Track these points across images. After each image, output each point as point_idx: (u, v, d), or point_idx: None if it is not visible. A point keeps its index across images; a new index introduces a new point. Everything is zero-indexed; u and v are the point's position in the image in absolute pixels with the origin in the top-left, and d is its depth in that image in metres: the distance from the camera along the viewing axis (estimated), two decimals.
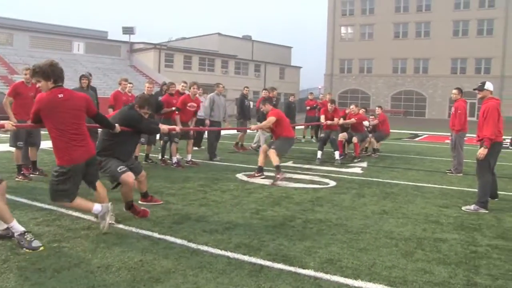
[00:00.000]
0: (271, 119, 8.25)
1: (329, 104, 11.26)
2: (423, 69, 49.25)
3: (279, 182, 7.65)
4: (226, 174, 8.58)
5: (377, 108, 13.35)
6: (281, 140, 8.38)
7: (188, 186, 7.23)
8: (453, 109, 9.59)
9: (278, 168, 7.91)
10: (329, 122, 10.94)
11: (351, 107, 11.95)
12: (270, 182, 7.77)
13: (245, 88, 13.95)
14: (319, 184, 7.77)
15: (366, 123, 12.31)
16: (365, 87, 52.20)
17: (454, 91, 9.50)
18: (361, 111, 12.04)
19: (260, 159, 8.27)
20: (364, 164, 10.68)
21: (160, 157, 9.89)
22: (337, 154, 10.91)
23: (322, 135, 11.38)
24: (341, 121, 11.22)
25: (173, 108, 9.42)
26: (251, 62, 53.88)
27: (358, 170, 9.64)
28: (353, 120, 11.60)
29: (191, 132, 9.71)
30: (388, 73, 50.76)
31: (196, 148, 12.81)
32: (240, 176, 8.37)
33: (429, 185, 8.03)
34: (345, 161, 11.06)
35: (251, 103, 15.03)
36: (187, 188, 7.02)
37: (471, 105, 43.43)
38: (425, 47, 48.22)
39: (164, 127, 6.31)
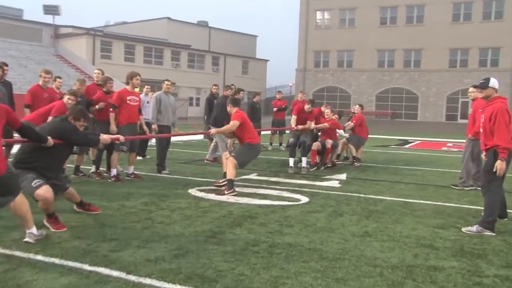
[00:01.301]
0: (234, 124, 8.47)
1: (307, 105, 11.78)
2: (415, 62, 49.56)
3: (223, 197, 7.84)
4: (176, 189, 8.55)
5: (355, 106, 13.79)
6: (245, 148, 8.57)
7: (129, 204, 7.15)
8: (471, 110, 9.58)
9: (230, 184, 8.15)
10: (300, 127, 11.54)
11: (326, 110, 12.49)
12: (232, 197, 7.85)
13: (214, 87, 14.08)
14: (289, 201, 7.84)
15: (341, 132, 12.88)
16: (344, 85, 53.06)
17: (472, 88, 9.38)
18: (334, 116, 12.71)
19: (226, 170, 8.43)
20: (343, 176, 10.86)
21: (93, 169, 9.73)
22: (304, 161, 11.48)
23: (291, 139, 11.83)
24: (313, 125, 11.84)
25: (101, 105, 9.41)
26: (207, 54, 54.02)
27: (335, 183, 9.79)
28: (326, 125, 12.15)
29: (138, 140, 9.68)
30: (372, 67, 51.66)
31: (139, 158, 12.70)
32: (193, 191, 8.37)
33: (421, 201, 8.22)
34: (320, 172, 11.21)
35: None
36: (127, 207, 6.94)
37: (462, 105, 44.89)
38: (417, 36, 48.17)
39: (105, 137, 6.26)
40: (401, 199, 8.29)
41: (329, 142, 12.01)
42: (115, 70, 37.81)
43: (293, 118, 11.83)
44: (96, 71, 10.97)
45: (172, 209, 6.93)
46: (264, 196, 8.15)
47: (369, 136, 14.13)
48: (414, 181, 10.57)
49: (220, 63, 55.01)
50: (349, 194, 8.64)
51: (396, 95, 51.10)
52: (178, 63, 50.41)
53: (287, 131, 13.94)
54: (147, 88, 13.28)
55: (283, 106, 17.51)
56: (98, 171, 9.61)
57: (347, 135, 13.47)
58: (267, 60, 62.83)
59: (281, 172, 11.30)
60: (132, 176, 9.58)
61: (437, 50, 47.59)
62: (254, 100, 16.81)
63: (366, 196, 8.50)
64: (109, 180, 9.20)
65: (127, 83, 9.54)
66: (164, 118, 10.75)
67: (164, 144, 10.82)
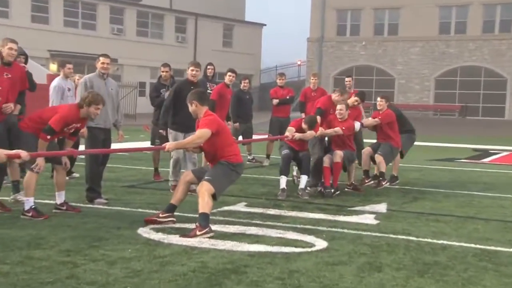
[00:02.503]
0: (203, 134, 8.61)
1: (337, 95, 12.73)
2: (502, 24, 49.51)
3: (192, 240, 7.95)
4: (117, 228, 8.59)
5: (378, 100, 13.99)
6: (223, 169, 8.72)
7: (39, 255, 7.10)
8: None
9: (204, 220, 8.26)
10: (297, 135, 12.04)
11: (337, 100, 12.79)
12: (207, 239, 7.92)
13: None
14: (296, 246, 7.86)
15: (357, 125, 13.28)
16: (385, 63, 53.40)
17: None
18: (353, 103, 13.42)
19: (199, 200, 8.49)
20: (381, 207, 10.97)
21: None
22: (304, 180, 12.00)
23: (285, 150, 12.23)
24: (320, 130, 12.36)
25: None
26: (168, 14, 54.40)
27: (369, 219, 9.87)
28: (338, 130, 12.40)
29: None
30: (430, 35, 51.80)
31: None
32: (145, 232, 8.41)
33: (510, 249, 8.21)
34: (343, 201, 11.28)
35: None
36: (36, 260, 6.90)
37: None
38: None
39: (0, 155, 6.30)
40: (477, 246, 8.29)
41: (338, 155, 12.23)
42: (14, 33, 37.84)
43: (317, 119, 12.29)
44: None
45: (111, 261, 6.92)
46: (258, 239, 8.18)
47: (420, 143, 14.20)
48: (498, 216, 10.60)
49: (188, 29, 55.29)
50: (392, 236, 8.68)
51: (468, 78, 51.21)
52: (120, 28, 50.66)
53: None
54: (79, 77, 13.33)
55: (288, 97, 17.59)
56: None
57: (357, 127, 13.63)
58: (262, 25, 63.17)
59: (284, 200, 11.37)
60: (64, 208, 9.71)
61: None
62: (242, 87, 16.88)
63: (420, 239, 8.53)
64: (22, 216, 9.21)
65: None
66: (98, 116, 10.70)
67: (99, 159, 10.84)
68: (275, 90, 17.74)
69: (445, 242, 8.41)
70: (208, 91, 15.04)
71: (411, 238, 8.57)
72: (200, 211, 8.33)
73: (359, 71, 53.10)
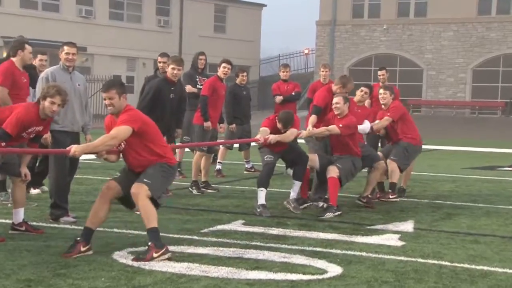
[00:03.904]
0: (119, 132, 8.38)
1: (338, 86, 12.37)
2: None
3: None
4: (89, 254, 8.55)
5: (381, 92, 13.62)
6: (156, 167, 8.60)
7: None
8: None
9: (155, 238, 8.29)
10: (273, 137, 11.43)
11: (335, 95, 12.43)
12: (190, 268, 7.90)
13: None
14: (304, 273, 7.88)
15: (365, 126, 12.85)
16: (410, 50, 53.34)
17: None
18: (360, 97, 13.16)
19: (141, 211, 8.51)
20: (407, 226, 10.99)
21: None
22: (296, 187, 11.92)
23: (267, 156, 11.89)
24: (309, 129, 12.13)
25: None
26: None
27: (392, 240, 9.90)
28: (333, 128, 11.97)
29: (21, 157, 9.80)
30: (466, 16, 51.66)
31: (35, 191, 13.00)
32: (121, 257, 8.41)
33: None
34: (359, 218, 11.33)
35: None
36: None
37: None
38: None
39: None
40: None
41: (330, 170, 11.88)
42: None
43: (312, 118, 12.11)
44: None
45: None
46: (258, 264, 8.21)
47: (455, 148, 14.13)
48: None
49: (173, 11, 55.37)
50: (420, 260, 8.68)
51: None
52: (90, 10, 50.73)
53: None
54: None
55: (293, 93, 17.64)
56: None
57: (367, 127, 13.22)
58: (261, 6, 63.22)
59: (290, 218, 11.40)
60: (23, 228, 9.71)
61: None
62: (238, 82, 16.91)
63: (455, 265, 8.53)
64: None
65: (13, 55, 9.88)
66: (64, 117, 10.80)
67: (65, 168, 10.88)
68: (278, 85, 17.81)
69: (485, 267, 8.40)
70: (198, 86, 15.10)
71: (444, 263, 8.57)
72: (148, 226, 8.28)
73: (379, 61, 52.36)
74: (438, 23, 52.09)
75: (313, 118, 12.28)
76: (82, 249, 8.42)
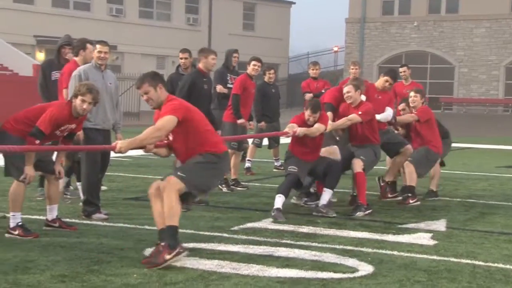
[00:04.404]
0: (164, 123, 8.06)
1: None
2: None
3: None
4: (121, 249, 8.65)
5: (412, 94, 13.39)
6: (197, 159, 8.28)
7: (28, 281, 7.19)
8: None
9: (171, 237, 7.89)
10: (301, 130, 11.19)
11: (346, 88, 12.26)
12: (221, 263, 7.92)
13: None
14: (335, 271, 7.89)
15: (385, 115, 12.68)
16: (442, 47, 52.97)
17: None
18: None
19: (157, 219, 8.33)
20: (439, 225, 10.94)
21: None
22: (327, 195, 11.44)
23: (293, 168, 11.57)
24: (329, 124, 11.66)
25: None
26: None
27: (424, 239, 9.86)
28: (353, 117, 11.80)
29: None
30: (499, 12, 51.10)
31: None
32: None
33: None
34: (391, 217, 11.34)
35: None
36: (25, 286, 7.00)
37: None
38: None
39: None
40: None
41: (355, 164, 11.77)
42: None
43: (329, 115, 11.99)
44: None
45: None
46: (289, 262, 8.22)
47: (488, 146, 13.96)
48: None
49: (202, 9, 55.37)
50: (453, 260, 8.65)
51: None
52: (120, 9, 50.87)
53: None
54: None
55: (323, 91, 17.55)
56: None
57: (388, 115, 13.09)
58: (290, 3, 63.06)
59: (320, 216, 11.39)
60: (57, 225, 9.81)
61: None
62: (267, 79, 16.90)
63: (489, 264, 8.46)
64: (6, 235, 9.32)
65: (76, 55, 10.31)
66: (96, 115, 10.87)
67: (97, 165, 10.95)
68: (308, 82, 17.81)
69: None
70: (229, 85, 15.11)
71: (477, 262, 8.51)
72: (166, 223, 7.97)
73: (410, 58, 52.03)
74: (470, 20, 51.76)
75: (329, 115, 12.00)
76: (168, 256, 7.81)
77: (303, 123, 11.38)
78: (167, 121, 8.01)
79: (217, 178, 8.78)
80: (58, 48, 11.81)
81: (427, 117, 13.06)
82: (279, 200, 11.23)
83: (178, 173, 8.12)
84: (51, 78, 11.76)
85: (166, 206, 7.91)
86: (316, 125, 11.29)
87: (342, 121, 11.88)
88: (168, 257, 7.73)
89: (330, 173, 11.47)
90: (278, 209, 11.14)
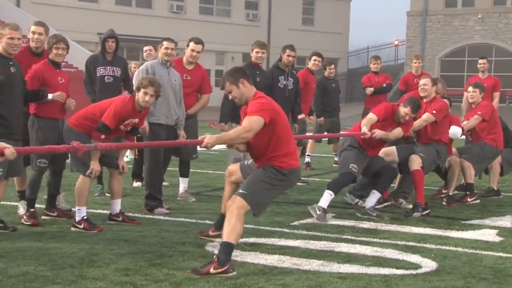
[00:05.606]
0: (253, 124, 7.70)
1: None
2: None
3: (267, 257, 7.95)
4: (182, 243, 8.77)
5: (470, 90, 12.85)
6: (267, 176, 7.94)
7: (94, 274, 7.31)
8: None
9: (224, 253, 7.52)
10: (380, 132, 10.81)
11: (422, 81, 11.99)
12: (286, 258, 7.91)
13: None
14: (397, 267, 7.86)
15: (456, 130, 12.23)
16: (508, 40, 52.17)
17: None
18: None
19: (224, 202, 8.53)
20: (506, 221, 10.80)
21: (22, 207, 10.16)
22: (375, 198, 11.03)
23: (353, 166, 11.08)
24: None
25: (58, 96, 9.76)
26: None
27: (490, 235, 9.76)
28: (428, 117, 11.40)
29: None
30: None
31: (137, 184, 13.32)
32: (214, 246, 8.37)
33: None
34: (454, 212, 11.29)
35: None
36: (91, 279, 7.09)
37: None
38: None
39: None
40: None
41: (413, 161, 11.30)
42: (57, 17, 38.73)
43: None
44: (34, 27, 10.73)
45: (176, 282, 7.06)
46: (350, 258, 8.21)
47: None
48: None
49: (261, 5, 55.33)
50: None
51: None
52: (181, 5, 51.08)
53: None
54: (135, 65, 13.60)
55: (384, 85, 17.54)
56: (32, 210, 9.96)
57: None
58: None
59: (381, 211, 11.29)
60: (120, 219, 10.01)
61: None
62: (327, 74, 16.85)
63: None
64: (72, 229, 9.50)
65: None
66: (160, 110, 10.99)
67: (160, 160, 11.07)
68: (369, 77, 17.73)
69: None
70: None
71: None
72: (224, 239, 7.60)
73: (473, 51, 50.90)
74: None
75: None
76: (212, 233, 8.81)
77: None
78: (255, 121, 7.69)
79: (276, 196, 8.41)
80: (103, 42, 11.87)
81: (491, 113, 12.54)
82: (327, 197, 10.72)
83: (241, 190, 7.85)
84: (96, 74, 11.78)
85: (226, 223, 7.62)
86: (396, 131, 10.95)
87: (419, 123, 11.40)
88: (212, 271, 7.37)
89: (383, 176, 11.11)
90: (324, 209, 10.63)
